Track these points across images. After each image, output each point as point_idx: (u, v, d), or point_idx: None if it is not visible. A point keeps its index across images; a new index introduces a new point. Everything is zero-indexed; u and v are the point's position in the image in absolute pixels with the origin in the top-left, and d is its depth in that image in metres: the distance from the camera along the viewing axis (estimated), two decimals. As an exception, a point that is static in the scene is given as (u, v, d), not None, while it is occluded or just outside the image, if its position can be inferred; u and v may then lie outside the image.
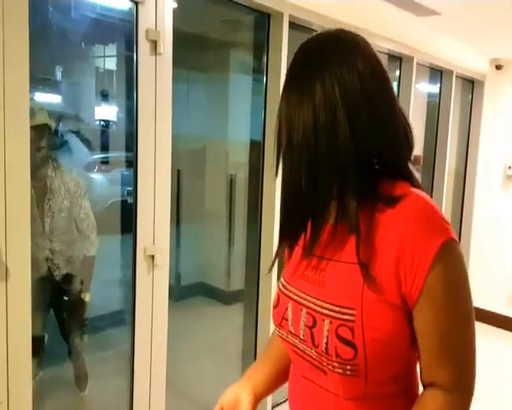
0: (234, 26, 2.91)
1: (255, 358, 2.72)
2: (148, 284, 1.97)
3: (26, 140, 1.50)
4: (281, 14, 2.40)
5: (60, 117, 2.38)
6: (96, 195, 3.11)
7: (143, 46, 1.81)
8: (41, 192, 2.08)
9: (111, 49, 2.87)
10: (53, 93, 2.32)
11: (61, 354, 2.41)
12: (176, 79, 1.95)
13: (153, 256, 1.94)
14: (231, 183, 3.15)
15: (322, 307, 0.79)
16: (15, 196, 1.49)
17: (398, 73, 3.73)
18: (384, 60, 3.70)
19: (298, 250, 0.88)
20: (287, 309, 0.86)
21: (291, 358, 0.91)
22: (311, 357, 0.82)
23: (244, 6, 2.33)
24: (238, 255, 3.15)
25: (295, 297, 0.85)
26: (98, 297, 2.70)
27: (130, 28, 1.83)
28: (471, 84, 4.30)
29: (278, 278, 2.77)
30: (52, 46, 2.11)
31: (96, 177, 3.07)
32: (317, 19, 2.59)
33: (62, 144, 2.41)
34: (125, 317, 2.31)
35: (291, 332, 0.85)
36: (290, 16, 2.44)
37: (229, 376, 2.87)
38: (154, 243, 1.95)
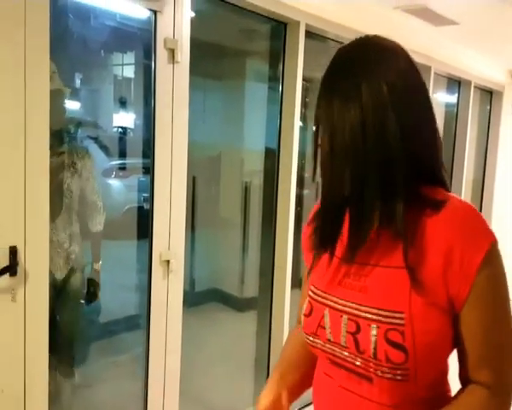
0: (250, 35, 2.94)
1: (268, 365, 2.72)
2: (163, 289, 1.98)
3: (45, 146, 1.54)
4: (297, 23, 2.42)
5: (79, 123, 2.43)
6: (112, 200, 3.15)
7: (161, 54, 1.84)
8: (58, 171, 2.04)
9: (129, 58, 2.92)
10: (72, 100, 2.37)
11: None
12: (192, 86, 1.97)
13: (168, 261, 1.96)
14: (246, 190, 3.16)
15: (368, 313, 0.78)
16: (35, 199, 1.52)
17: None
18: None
19: (325, 257, 0.87)
20: (323, 317, 0.84)
21: (324, 369, 0.89)
22: (353, 364, 0.80)
23: (261, 15, 2.36)
24: (252, 262, 3.16)
25: (333, 304, 0.83)
26: (114, 301, 2.73)
27: (149, 37, 1.86)
28: (489, 95, 4.26)
29: (292, 286, 2.77)
30: (72, 54, 2.16)
31: (114, 183, 3.11)
32: (333, 28, 2.61)
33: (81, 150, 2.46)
34: (139, 321, 2.32)
35: (329, 340, 0.83)
36: (306, 25, 2.46)
37: (241, 383, 2.87)
38: (169, 249, 1.97)
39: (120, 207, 2.96)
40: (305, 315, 0.87)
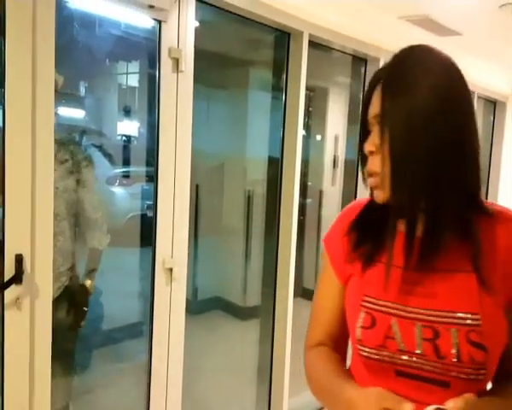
0: (254, 45, 2.96)
1: (271, 374, 2.70)
2: (165, 297, 1.98)
3: (50, 152, 1.56)
4: (301, 34, 2.44)
5: (83, 131, 2.45)
6: (116, 208, 3.16)
7: (166, 64, 1.85)
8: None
9: (134, 67, 2.94)
10: (77, 108, 2.39)
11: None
12: (196, 95, 1.99)
13: (171, 269, 1.96)
14: (249, 199, 3.16)
15: (444, 317, 0.79)
16: (41, 206, 1.53)
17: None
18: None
19: (379, 267, 0.85)
20: (390, 327, 0.81)
21: (385, 383, 0.82)
22: (429, 371, 0.79)
23: (265, 25, 2.37)
24: (255, 271, 3.15)
25: (401, 313, 0.81)
26: (117, 309, 2.73)
27: (153, 46, 1.88)
28: (493, 105, 4.26)
29: (295, 295, 2.77)
30: (77, 62, 2.18)
31: (117, 190, 3.12)
32: (336, 38, 2.62)
33: (85, 158, 2.47)
34: (142, 329, 2.32)
35: (400, 350, 0.80)
36: (310, 35, 2.48)
37: (244, 392, 2.86)
38: (172, 257, 1.97)
39: (124, 215, 2.97)
40: (364, 327, 0.83)
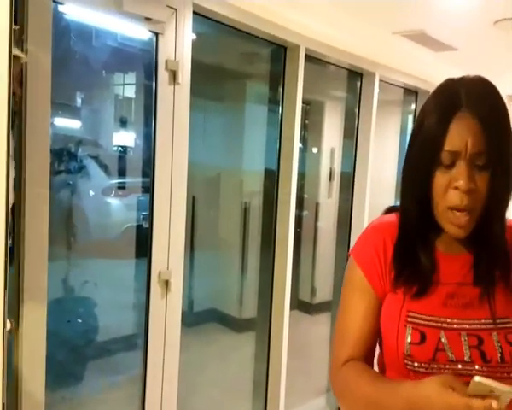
0: (251, 58, 2.98)
1: (267, 387, 2.68)
2: (161, 309, 1.97)
3: (46, 161, 1.55)
4: (297, 47, 2.46)
5: (79, 142, 2.45)
6: (112, 219, 3.15)
7: (162, 76, 1.86)
8: None
9: (130, 78, 2.95)
10: (73, 119, 2.39)
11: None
12: (193, 108, 1.99)
13: (167, 281, 1.95)
14: (245, 211, 3.16)
15: (485, 324, 0.86)
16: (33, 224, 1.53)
17: (413, 106, 3.75)
18: (400, 94, 3.74)
19: (424, 283, 0.91)
20: (439, 340, 0.86)
21: None
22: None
23: (261, 39, 2.40)
24: (251, 283, 3.14)
25: (447, 326, 0.87)
26: (111, 320, 2.71)
27: (150, 58, 1.89)
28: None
29: (291, 308, 2.75)
30: (73, 73, 2.19)
31: (113, 201, 3.11)
32: (332, 52, 2.65)
33: (81, 168, 2.47)
34: (137, 341, 2.30)
35: (450, 361, 0.85)
36: (306, 49, 2.50)
37: (239, 406, 2.83)
38: (168, 268, 1.96)
39: (119, 226, 2.96)
40: (415, 343, 0.86)
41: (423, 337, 0.86)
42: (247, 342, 3.06)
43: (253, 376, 2.90)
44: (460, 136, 0.81)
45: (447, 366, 0.85)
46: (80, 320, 2.51)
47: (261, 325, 2.84)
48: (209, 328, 3.40)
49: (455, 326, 0.87)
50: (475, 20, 2.38)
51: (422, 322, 0.87)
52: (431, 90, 3.45)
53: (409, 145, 0.91)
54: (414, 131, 0.90)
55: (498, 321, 0.87)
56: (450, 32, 2.65)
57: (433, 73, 3.31)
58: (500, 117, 0.83)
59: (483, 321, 0.87)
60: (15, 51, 1.30)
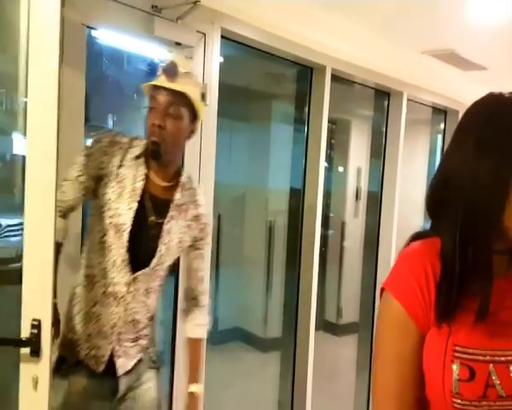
0: (277, 79, 3.02)
1: (292, 409, 2.64)
2: (186, 328, 1.98)
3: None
4: (323, 68, 2.48)
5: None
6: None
7: (192, 98, 1.90)
8: None
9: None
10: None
11: None
12: (220, 128, 2.03)
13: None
14: (270, 229, 3.16)
15: None
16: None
17: (442, 126, 3.71)
18: (429, 113, 3.70)
19: (466, 313, 0.83)
20: (489, 375, 0.80)
21: None
22: None
23: (287, 60, 2.43)
24: (276, 302, 3.12)
25: (496, 359, 0.81)
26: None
27: (180, 81, 1.93)
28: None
29: (317, 328, 2.71)
30: (105, 96, 2.26)
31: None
32: (359, 72, 2.66)
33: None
34: (163, 357, 2.31)
35: (501, 397, 0.80)
36: (332, 69, 2.52)
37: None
38: (194, 287, 1.97)
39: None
40: (464, 380, 0.80)
41: (472, 373, 0.79)
42: (271, 361, 3.03)
43: (278, 396, 2.87)
44: None
45: (497, 403, 0.79)
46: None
47: (286, 344, 2.82)
48: (234, 347, 3.38)
49: (502, 359, 0.80)
50: (505, 39, 2.35)
51: (470, 356, 0.80)
52: (460, 109, 3.42)
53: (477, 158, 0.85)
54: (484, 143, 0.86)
55: None
56: (479, 52, 2.63)
57: (462, 92, 3.27)
58: None
59: None
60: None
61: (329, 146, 3.66)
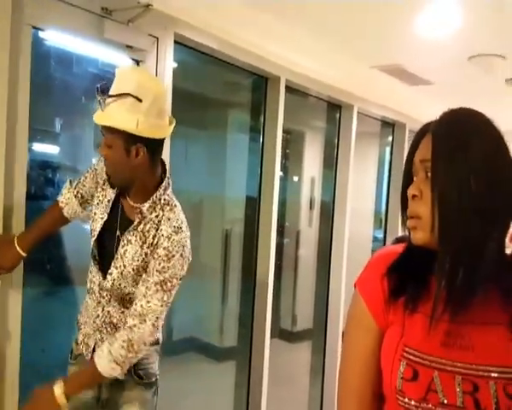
0: (232, 87, 3.03)
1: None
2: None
3: (23, 183, 1.54)
4: (278, 79, 2.51)
5: (57, 168, 2.42)
6: (88, 246, 3.10)
7: (144, 103, 1.86)
8: None
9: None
10: (52, 144, 2.37)
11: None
12: (175, 135, 1.99)
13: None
14: (227, 238, 3.15)
15: (483, 371, 0.81)
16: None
17: (390, 138, 3.84)
18: (378, 126, 3.83)
19: (419, 317, 0.86)
20: (432, 380, 0.82)
21: None
22: None
23: (243, 69, 2.44)
24: (231, 311, 3.10)
25: (442, 367, 0.82)
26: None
27: (132, 86, 1.89)
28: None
29: (272, 336, 2.71)
30: (53, 99, 2.18)
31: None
32: (312, 84, 2.71)
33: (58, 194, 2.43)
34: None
35: (442, 403, 0.81)
36: (287, 80, 2.55)
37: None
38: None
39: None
40: (407, 379, 0.83)
41: (416, 375, 0.83)
42: (227, 371, 3.00)
43: (234, 406, 2.84)
44: (420, 150, 0.87)
45: (438, 409, 0.81)
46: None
47: (242, 353, 2.80)
48: (188, 357, 3.32)
49: (450, 368, 0.82)
50: (450, 55, 2.47)
51: (417, 359, 0.84)
52: (407, 122, 3.57)
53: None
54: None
55: (499, 369, 0.81)
56: (425, 67, 2.75)
57: (409, 106, 3.41)
58: (455, 131, 0.84)
59: (480, 367, 0.82)
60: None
61: (284, 156, 3.70)
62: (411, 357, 0.84)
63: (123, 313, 1.44)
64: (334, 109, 3.22)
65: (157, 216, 1.39)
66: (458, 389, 0.81)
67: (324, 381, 3.30)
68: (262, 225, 2.64)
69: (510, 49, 2.28)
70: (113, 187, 1.43)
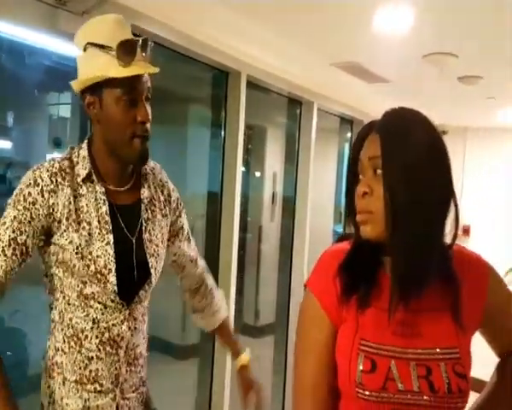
0: (193, 82, 2.99)
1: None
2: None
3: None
4: (238, 74, 2.50)
5: (9, 163, 2.31)
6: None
7: (101, 97, 1.81)
8: None
9: (66, 98, 2.86)
10: (3, 139, 2.26)
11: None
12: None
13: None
14: (188, 234, 3.12)
15: (433, 354, 0.86)
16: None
17: (349, 135, 3.92)
18: (336, 122, 3.89)
19: (371, 310, 0.89)
20: (389, 369, 0.85)
21: None
22: (424, 406, 0.85)
23: (203, 63, 2.41)
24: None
25: (397, 355, 0.86)
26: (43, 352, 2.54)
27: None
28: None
29: (235, 331, 2.72)
30: (4, 92, 2.08)
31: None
32: (273, 80, 2.71)
33: (11, 191, 2.33)
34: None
35: (400, 390, 0.85)
36: (248, 76, 2.54)
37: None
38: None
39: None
40: (365, 371, 0.85)
41: (374, 366, 0.86)
42: (189, 369, 2.97)
43: (196, 403, 2.82)
44: (367, 148, 0.89)
45: (396, 396, 0.85)
46: (10, 353, 2.34)
47: (204, 350, 2.78)
48: (150, 357, 3.28)
49: (404, 355, 0.86)
50: (406, 53, 2.54)
51: (373, 350, 0.87)
52: (365, 119, 3.65)
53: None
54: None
55: (446, 351, 0.87)
56: (382, 65, 2.81)
57: (367, 103, 3.48)
58: (402, 130, 0.87)
59: (431, 351, 0.87)
60: None
61: (246, 151, 3.70)
62: (368, 349, 0.87)
63: (142, 332, 1.26)
64: (295, 105, 3.24)
65: (154, 176, 1.30)
66: (414, 375, 0.85)
67: (286, 376, 3.34)
68: (224, 220, 2.62)
69: (462, 48, 2.36)
70: (145, 161, 1.19)
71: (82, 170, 1.14)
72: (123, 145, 1.15)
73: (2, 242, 1.06)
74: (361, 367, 0.86)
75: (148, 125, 1.18)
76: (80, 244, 1.09)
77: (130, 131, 1.14)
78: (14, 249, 1.06)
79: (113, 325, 1.15)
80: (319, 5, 1.97)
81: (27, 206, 1.08)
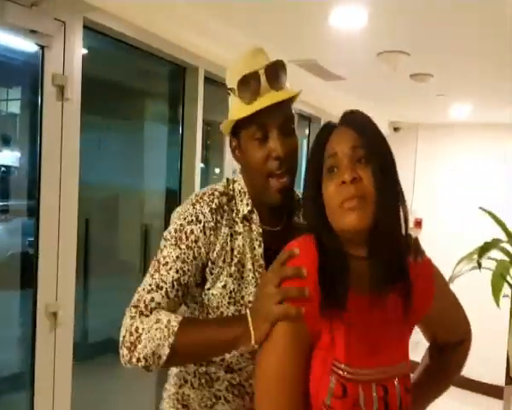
0: (150, 76, 2.92)
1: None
2: (49, 344, 1.80)
3: None
4: (196, 69, 2.47)
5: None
6: (-8, 246, 2.84)
7: (49, 91, 1.74)
8: None
9: (15, 93, 2.74)
10: None
11: None
12: (88, 126, 1.88)
13: (55, 313, 1.79)
14: (146, 233, 3.05)
15: (388, 371, 0.85)
16: None
17: (307, 131, 3.96)
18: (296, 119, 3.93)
19: (344, 329, 0.84)
20: (358, 395, 0.82)
21: None
22: None
23: (160, 57, 2.36)
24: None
25: (365, 378, 0.83)
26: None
27: (36, 72, 1.75)
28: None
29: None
30: None
31: (-6, 226, 2.82)
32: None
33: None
34: (23, 381, 2.08)
35: None
36: (205, 71, 2.51)
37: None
38: (56, 300, 1.80)
39: (2, 253, 2.68)
40: (336, 396, 0.81)
41: (345, 392, 0.83)
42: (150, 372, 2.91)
43: (156, 404, 2.77)
44: (340, 143, 0.91)
45: None
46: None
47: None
48: (107, 360, 3.19)
49: (368, 377, 0.84)
50: (360, 52, 2.59)
51: (345, 375, 0.83)
52: (322, 117, 3.69)
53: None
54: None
55: (400, 365, 0.87)
56: (338, 63, 2.85)
57: (324, 100, 3.52)
58: (371, 124, 0.94)
59: (385, 369, 0.85)
60: None
61: (205, 147, 3.67)
62: (340, 372, 0.83)
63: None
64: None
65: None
66: (374, 397, 0.84)
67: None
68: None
69: (414, 47, 2.43)
70: (283, 205, 1.04)
71: (242, 206, 1.07)
72: (261, 188, 1.04)
73: (166, 283, 1.00)
74: (332, 391, 0.82)
75: (288, 160, 1.03)
76: (234, 289, 1.03)
77: (266, 171, 1.03)
78: (177, 291, 1.00)
79: (242, 371, 1.10)
80: (277, 2, 1.98)
81: (190, 244, 1.02)
